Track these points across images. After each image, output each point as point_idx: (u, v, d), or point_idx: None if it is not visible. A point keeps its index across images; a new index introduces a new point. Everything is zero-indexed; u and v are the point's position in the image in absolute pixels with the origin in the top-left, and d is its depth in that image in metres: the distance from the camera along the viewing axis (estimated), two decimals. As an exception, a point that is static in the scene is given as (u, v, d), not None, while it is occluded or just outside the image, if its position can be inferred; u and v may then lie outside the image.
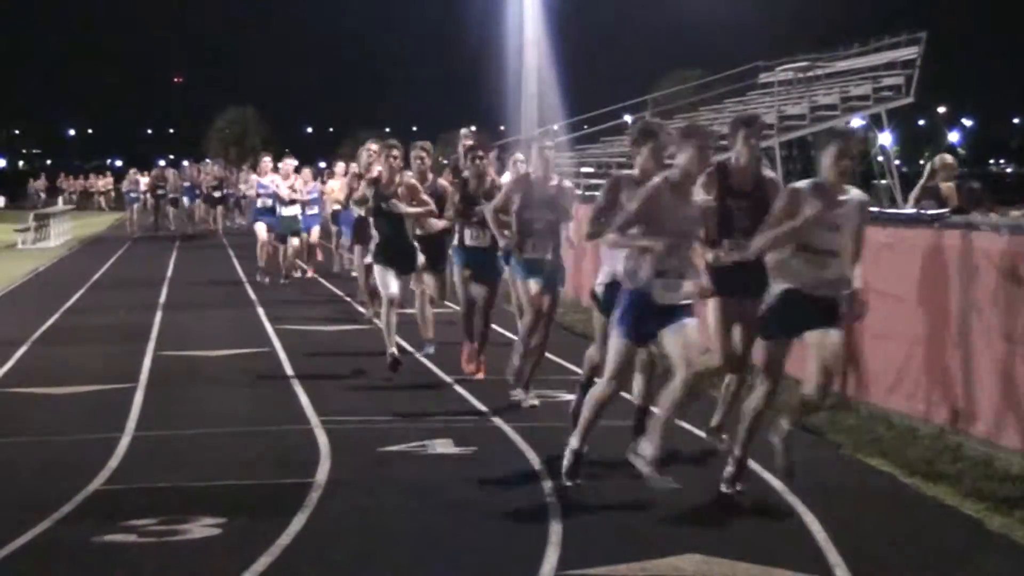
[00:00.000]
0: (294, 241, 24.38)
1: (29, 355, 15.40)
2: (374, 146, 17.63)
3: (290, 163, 24.87)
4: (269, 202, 24.43)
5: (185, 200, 46.75)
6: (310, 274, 25.46)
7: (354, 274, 23.79)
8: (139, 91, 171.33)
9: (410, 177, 13.51)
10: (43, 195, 74.76)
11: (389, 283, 13.16)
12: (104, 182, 74.96)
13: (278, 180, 24.30)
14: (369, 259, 17.07)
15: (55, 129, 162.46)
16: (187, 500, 8.49)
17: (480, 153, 13.36)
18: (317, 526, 7.89)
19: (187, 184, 46.59)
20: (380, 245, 13.43)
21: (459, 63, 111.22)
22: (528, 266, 11.66)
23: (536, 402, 11.73)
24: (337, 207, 23.97)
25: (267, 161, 25.15)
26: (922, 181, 15.19)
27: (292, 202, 24.10)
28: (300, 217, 24.36)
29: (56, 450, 10.18)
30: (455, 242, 13.44)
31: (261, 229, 24.72)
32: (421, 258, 13.47)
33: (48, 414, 11.72)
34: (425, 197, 13.34)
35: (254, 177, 25.14)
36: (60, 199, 67.85)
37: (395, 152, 13.36)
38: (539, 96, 35.91)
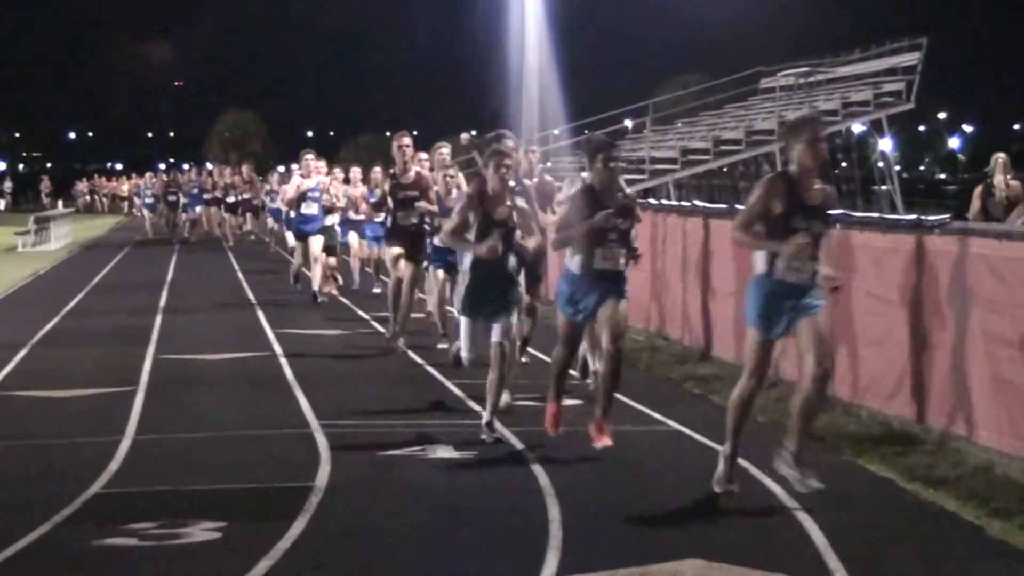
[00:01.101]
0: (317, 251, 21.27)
1: (29, 358, 15.40)
2: (445, 149, 15.35)
3: (320, 164, 22.12)
4: (315, 208, 21.15)
5: (197, 209, 42.98)
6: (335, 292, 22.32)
7: (376, 291, 22.10)
8: (140, 94, 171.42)
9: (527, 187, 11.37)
10: (87, 198, 75.77)
11: (470, 344, 10.58)
12: (130, 185, 75.16)
13: (327, 182, 21.34)
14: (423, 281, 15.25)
15: (56, 132, 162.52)
16: (187, 504, 8.49)
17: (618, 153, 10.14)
18: (317, 530, 7.89)
19: (195, 191, 43.13)
20: (471, 287, 10.38)
21: (459, 68, 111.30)
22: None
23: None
24: (360, 216, 22.10)
25: (311, 159, 21.27)
26: (987, 180, 16.93)
27: (331, 209, 21.55)
28: (338, 228, 22.02)
29: (56, 453, 10.18)
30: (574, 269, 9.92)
31: (317, 243, 21.16)
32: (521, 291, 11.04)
33: (48, 417, 11.72)
34: (536, 223, 10.66)
35: (296, 179, 21.45)
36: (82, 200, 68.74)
37: (507, 161, 10.34)
38: (540, 101, 35.89)
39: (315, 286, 21.41)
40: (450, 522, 8.09)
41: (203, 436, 10.75)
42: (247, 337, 17.10)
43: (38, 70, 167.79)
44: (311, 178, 21.14)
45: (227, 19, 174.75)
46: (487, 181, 10.41)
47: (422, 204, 14.89)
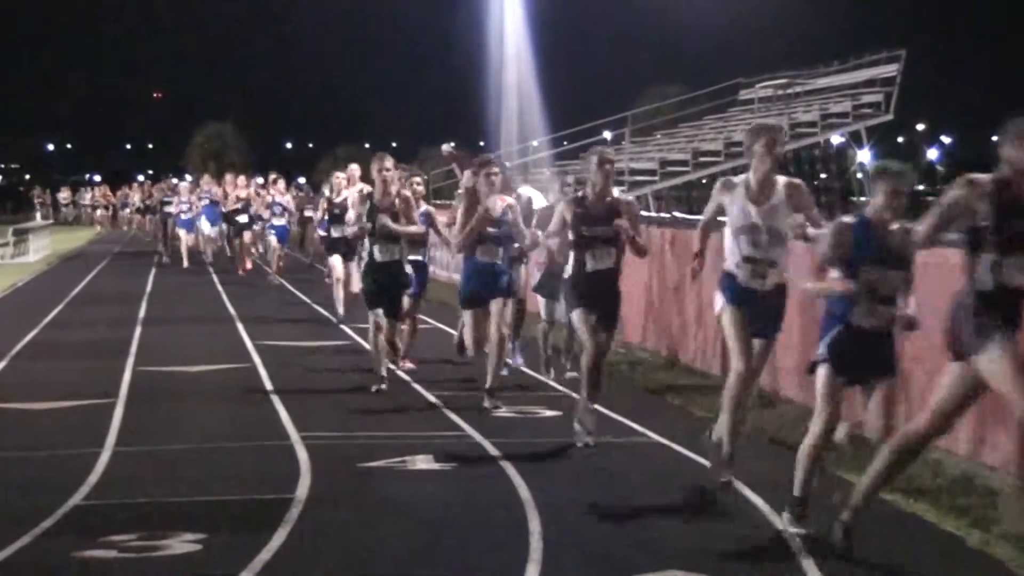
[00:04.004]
0: None
1: (8, 370, 15.35)
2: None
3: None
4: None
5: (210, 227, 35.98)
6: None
7: (519, 361, 14.82)
8: (118, 106, 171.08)
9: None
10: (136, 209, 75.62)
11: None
12: (120, 194, 74.72)
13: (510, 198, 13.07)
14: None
15: (33, 143, 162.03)
16: (167, 516, 8.47)
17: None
18: (297, 542, 7.88)
19: (207, 203, 35.67)
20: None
21: (439, 79, 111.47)
22: None
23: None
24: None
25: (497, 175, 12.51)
26: None
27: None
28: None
29: (36, 465, 10.15)
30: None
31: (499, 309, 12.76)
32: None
33: (28, 429, 11.68)
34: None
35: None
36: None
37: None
38: (519, 112, 36.00)
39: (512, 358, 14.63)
40: (430, 534, 8.09)
41: (183, 448, 10.72)
42: (227, 349, 17.06)
43: (16, 81, 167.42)
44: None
45: (206, 30, 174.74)
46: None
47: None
